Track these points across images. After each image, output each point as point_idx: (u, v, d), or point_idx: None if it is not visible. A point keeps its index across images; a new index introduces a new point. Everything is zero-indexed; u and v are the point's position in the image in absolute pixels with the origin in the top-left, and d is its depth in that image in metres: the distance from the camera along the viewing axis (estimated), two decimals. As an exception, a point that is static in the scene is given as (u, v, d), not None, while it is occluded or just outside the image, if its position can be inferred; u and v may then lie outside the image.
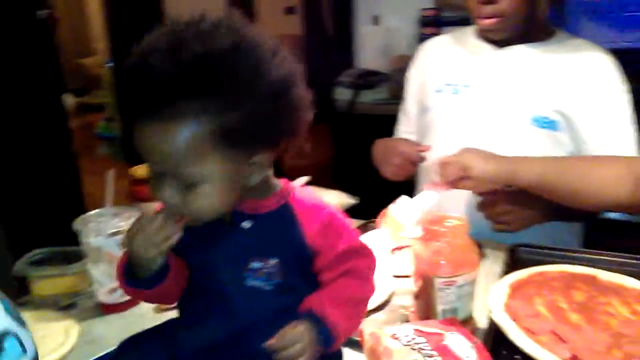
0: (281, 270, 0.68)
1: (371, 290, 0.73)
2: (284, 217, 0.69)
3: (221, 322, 0.70)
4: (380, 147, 1.38)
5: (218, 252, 0.70)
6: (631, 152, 1.15)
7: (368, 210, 1.37)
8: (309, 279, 0.71)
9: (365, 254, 0.73)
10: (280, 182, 0.72)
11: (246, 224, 0.69)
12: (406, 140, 1.38)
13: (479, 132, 1.22)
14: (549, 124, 1.19)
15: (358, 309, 0.72)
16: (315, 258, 0.70)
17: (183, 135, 0.58)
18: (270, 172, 0.71)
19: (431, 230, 0.84)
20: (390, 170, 1.33)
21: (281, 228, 0.69)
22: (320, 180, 1.46)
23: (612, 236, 1.15)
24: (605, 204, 1.01)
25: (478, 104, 1.24)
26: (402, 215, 1.10)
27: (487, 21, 1.18)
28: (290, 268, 0.69)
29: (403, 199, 1.14)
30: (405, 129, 1.47)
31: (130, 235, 0.65)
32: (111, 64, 3.83)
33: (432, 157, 1.28)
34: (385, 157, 1.33)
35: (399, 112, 1.51)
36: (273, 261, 0.68)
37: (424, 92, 1.34)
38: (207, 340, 0.71)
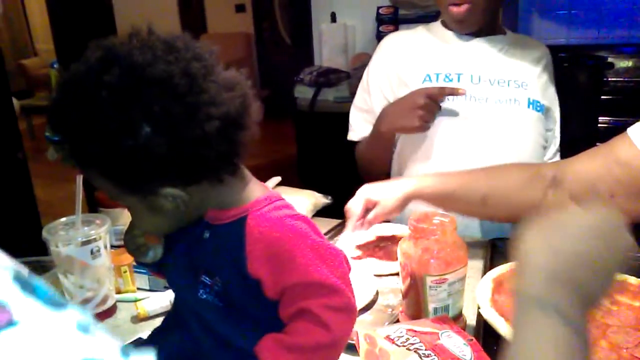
0: (225, 290, 0.63)
1: (332, 337, 0.60)
2: (234, 234, 0.64)
3: (180, 333, 0.70)
4: (390, 108, 1.27)
5: (179, 258, 0.69)
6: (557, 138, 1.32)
7: (339, 207, 1.35)
8: (263, 306, 0.63)
9: (324, 292, 0.62)
10: (255, 193, 0.68)
11: (206, 234, 0.67)
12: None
13: (479, 116, 1.23)
14: (541, 108, 1.26)
15: (312, 357, 0.61)
16: (261, 286, 0.63)
17: (89, 175, 0.62)
18: (240, 183, 0.67)
19: (419, 228, 0.83)
20: (418, 117, 1.19)
21: (228, 246, 0.65)
22: (285, 177, 1.44)
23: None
24: (517, 212, 1.03)
25: (476, 89, 1.24)
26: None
27: (459, 9, 1.21)
28: (235, 291, 0.63)
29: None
30: (369, 126, 1.39)
31: (124, 245, 0.72)
32: (57, 65, 3.67)
33: (421, 148, 1.27)
34: (405, 110, 1.21)
35: (354, 111, 1.44)
36: (218, 279, 0.64)
37: (399, 85, 1.31)
38: (169, 349, 0.70)
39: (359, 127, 1.42)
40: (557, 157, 1.32)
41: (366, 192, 1.04)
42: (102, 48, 0.58)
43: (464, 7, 1.20)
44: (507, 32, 1.32)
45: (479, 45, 1.27)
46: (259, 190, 0.68)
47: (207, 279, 0.65)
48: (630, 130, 0.91)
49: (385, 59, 1.36)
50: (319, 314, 0.60)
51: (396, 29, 2.58)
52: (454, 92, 1.19)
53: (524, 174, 1.01)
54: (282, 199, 0.69)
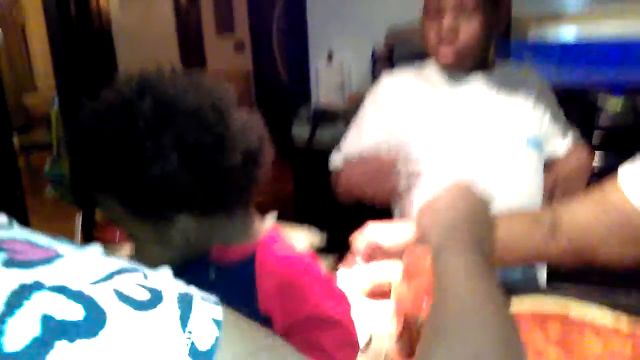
0: None
1: None
2: (244, 273, 0.66)
3: None
4: (357, 174, 1.31)
5: None
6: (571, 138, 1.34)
7: (334, 244, 1.36)
8: None
9: (332, 326, 0.64)
10: (261, 231, 0.70)
11: (212, 275, 0.68)
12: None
13: (475, 159, 1.25)
14: (539, 144, 1.27)
15: None
16: (271, 324, 0.64)
17: (101, 201, 0.64)
18: (245, 221, 0.69)
19: (412, 269, 0.84)
20: (385, 192, 1.26)
21: (237, 286, 0.66)
22: (282, 215, 1.45)
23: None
24: (522, 258, 1.05)
25: (472, 131, 1.26)
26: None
27: (447, 54, 1.23)
28: None
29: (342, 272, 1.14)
30: (348, 152, 1.42)
31: None
32: (57, 102, 3.71)
33: (421, 193, 1.28)
34: (371, 178, 1.25)
35: (346, 139, 1.46)
36: None
37: (394, 127, 1.33)
38: None
39: (336, 159, 1.46)
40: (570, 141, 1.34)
41: (373, 234, 1.04)
42: (135, 79, 0.61)
43: (450, 53, 1.22)
44: (498, 66, 1.33)
45: (470, 86, 1.29)
46: (264, 228, 0.70)
47: None
48: (620, 175, 0.91)
49: (380, 106, 1.37)
50: (328, 349, 0.62)
51: (391, 68, 2.64)
52: (412, 157, 1.23)
53: (525, 222, 1.02)
54: (285, 237, 0.71)
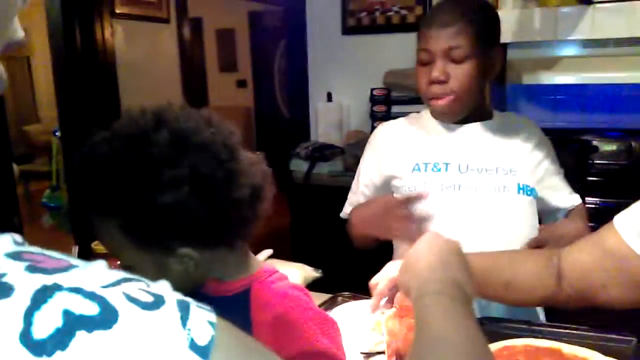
0: None
1: None
2: (238, 305, 0.67)
3: None
4: (362, 213, 1.33)
5: None
6: (572, 192, 1.34)
7: (330, 281, 1.37)
8: None
9: (323, 359, 0.66)
10: (256, 266, 0.71)
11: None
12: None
13: (469, 205, 1.25)
14: (531, 191, 1.26)
15: None
16: None
17: (101, 229, 0.65)
18: (241, 255, 0.70)
19: (404, 306, 0.85)
20: (394, 228, 1.23)
21: (232, 318, 0.66)
22: (278, 249, 1.46)
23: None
24: (532, 299, 1.05)
25: (464, 178, 1.26)
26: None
27: (440, 102, 1.23)
28: None
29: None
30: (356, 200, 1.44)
31: None
32: (59, 132, 3.76)
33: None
34: (378, 218, 1.26)
35: (349, 193, 1.48)
36: None
37: (391, 173, 1.34)
38: None
39: (346, 208, 1.46)
40: (577, 200, 1.34)
41: (393, 271, 1.01)
42: (150, 111, 0.64)
43: (444, 100, 1.22)
44: (495, 114, 1.33)
45: (466, 134, 1.29)
46: (258, 264, 0.72)
47: None
48: (616, 219, 0.92)
49: (375, 151, 1.39)
50: None
51: (389, 109, 2.69)
52: (419, 197, 1.22)
53: (539, 262, 1.02)
54: (278, 272, 0.72)
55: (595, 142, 2.43)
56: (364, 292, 1.25)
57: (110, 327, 0.28)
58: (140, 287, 0.32)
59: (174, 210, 0.60)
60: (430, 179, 1.28)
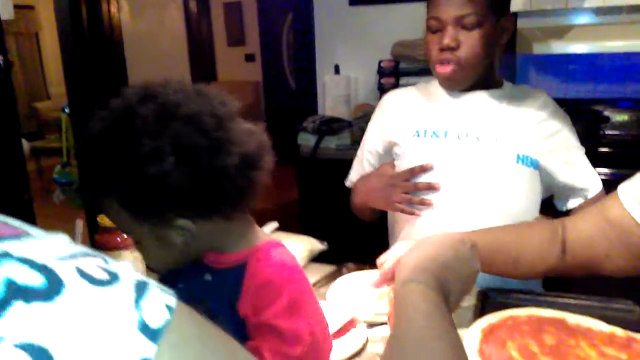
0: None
1: None
2: (235, 276, 0.68)
3: None
4: (365, 184, 1.38)
5: (187, 300, 0.70)
6: (591, 174, 1.29)
7: (336, 253, 1.37)
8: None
9: (283, 340, 0.65)
10: (259, 238, 0.72)
11: (207, 276, 0.70)
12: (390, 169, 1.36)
13: (466, 173, 1.25)
14: (532, 163, 1.24)
15: None
16: (246, 325, 0.67)
17: (105, 205, 0.67)
18: (244, 227, 0.71)
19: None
20: (395, 201, 1.29)
21: (227, 288, 0.68)
22: (286, 223, 1.47)
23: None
24: (538, 272, 1.05)
25: (462, 146, 1.26)
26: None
27: (445, 69, 1.22)
28: (227, 331, 0.66)
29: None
30: (360, 172, 1.48)
31: None
32: (68, 109, 3.77)
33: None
34: (380, 189, 1.32)
35: (354, 161, 1.51)
36: (216, 320, 0.67)
37: (395, 137, 1.35)
38: None
39: (351, 175, 1.50)
40: (596, 185, 1.30)
41: (401, 250, 1.01)
42: (141, 87, 0.65)
43: (449, 67, 1.22)
44: (505, 85, 1.32)
45: (470, 102, 1.28)
46: (261, 236, 0.72)
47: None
48: (620, 189, 0.92)
49: (382, 114, 1.41)
50: (265, 357, 0.63)
51: (397, 81, 2.66)
52: (423, 169, 1.25)
53: (543, 236, 1.01)
54: (283, 246, 0.73)
55: (606, 113, 2.40)
56: (369, 263, 1.26)
57: (51, 300, 0.27)
58: (99, 264, 0.30)
59: (161, 181, 0.61)
60: (427, 145, 1.28)
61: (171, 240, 0.66)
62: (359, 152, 1.49)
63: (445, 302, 0.59)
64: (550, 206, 1.36)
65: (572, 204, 1.31)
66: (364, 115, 2.53)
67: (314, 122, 2.65)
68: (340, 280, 1.18)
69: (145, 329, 0.28)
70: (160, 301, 0.31)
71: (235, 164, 0.63)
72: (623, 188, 0.91)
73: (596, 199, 1.28)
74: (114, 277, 0.30)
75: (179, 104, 0.62)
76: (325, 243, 1.40)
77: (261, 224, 0.83)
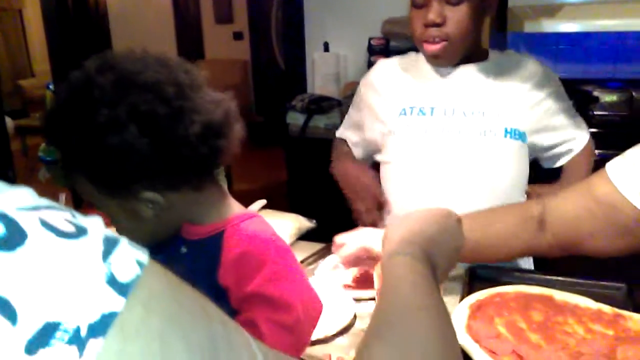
0: None
1: None
2: (212, 247, 0.68)
3: None
4: (350, 179, 1.40)
5: None
6: (577, 126, 1.32)
7: (324, 232, 1.37)
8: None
9: (274, 308, 0.65)
10: (233, 210, 0.71)
11: (183, 249, 0.70)
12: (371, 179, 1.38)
13: (453, 149, 1.24)
14: (520, 136, 1.23)
15: None
16: (227, 296, 0.66)
17: (77, 182, 0.66)
18: (216, 198, 0.71)
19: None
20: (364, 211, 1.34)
21: (204, 259, 0.68)
22: (275, 203, 1.46)
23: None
24: (511, 254, 1.05)
25: (449, 122, 1.25)
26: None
27: (433, 47, 1.20)
28: None
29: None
30: (348, 135, 1.49)
31: None
32: (52, 86, 3.71)
33: (401, 182, 1.30)
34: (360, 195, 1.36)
35: (345, 117, 1.52)
36: None
37: (381, 115, 1.34)
38: None
39: (340, 131, 1.54)
40: (582, 139, 1.33)
41: (365, 240, 1.02)
42: (100, 57, 0.64)
43: (438, 45, 1.20)
44: (491, 55, 1.30)
45: (456, 77, 1.27)
46: (237, 208, 0.71)
47: None
48: (608, 166, 0.91)
49: (373, 84, 1.39)
50: (260, 327, 0.63)
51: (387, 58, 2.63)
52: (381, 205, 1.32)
53: (513, 218, 1.01)
54: (260, 217, 0.72)
55: (596, 93, 2.40)
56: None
57: (12, 250, 0.25)
58: (66, 218, 0.29)
59: (123, 151, 0.60)
60: (414, 123, 1.27)
61: (141, 213, 0.65)
62: (350, 110, 1.49)
63: (432, 275, 0.58)
64: (538, 178, 1.36)
65: (562, 162, 1.32)
66: (353, 94, 2.51)
67: (302, 101, 2.63)
68: (330, 257, 1.17)
69: (113, 282, 0.27)
70: (131, 256, 0.29)
71: (197, 132, 0.62)
72: (611, 165, 0.91)
73: (584, 152, 1.31)
74: (81, 231, 0.28)
75: (138, 73, 0.61)
76: (314, 221, 1.39)
77: (249, 204, 0.83)
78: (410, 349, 0.43)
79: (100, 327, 0.25)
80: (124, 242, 0.30)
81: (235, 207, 0.72)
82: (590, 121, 2.29)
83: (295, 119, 2.62)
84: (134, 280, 0.28)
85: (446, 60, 1.25)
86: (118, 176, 0.62)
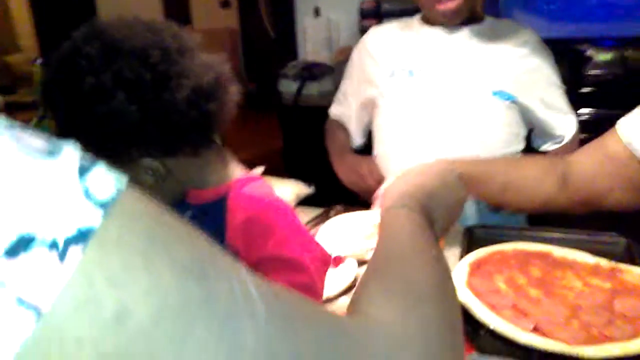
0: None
1: None
2: (216, 210, 0.68)
3: None
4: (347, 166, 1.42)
5: None
6: (569, 113, 1.31)
7: (323, 198, 1.37)
8: None
9: (289, 269, 0.66)
10: (235, 175, 0.71)
11: (188, 214, 0.70)
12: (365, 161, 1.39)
13: (439, 110, 1.25)
14: (508, 97, 1.24)
15: None
16: (236, 258, 0.67)
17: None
18: (217, 162, 0.71)
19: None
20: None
21: (210, 223, 0.67)
22: (271, 170, 1.46)
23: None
24: (532, 203, 1.05)
25: (436, 83, 1.26)
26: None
27: (451, 4, 1.20)
28: None
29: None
30: (342, 110, 1.50)
31: None
32: (41, 61, 3.65)
33: (393, 144, 1.30)
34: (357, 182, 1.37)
35: (337, 93, 1.52)
36: None
37: (373, 77, 1.35)
38: None
39: (334, 108, 1.54)
40: (570, 128, 1.32)
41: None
42: (88, 26, 0.63)
43: (455, 2, 1.20)
44: (487, 20, 1.30)
45: (448, 39, 1.27)
46: (239, 171, 0.71)
47: None
48: (619, 124, 0.92)
49: (364, 50, 1.40)
50: None
51: (379, 23, 2.60)
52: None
53: (539, 167, 1.02)
54: (262, 179, 0.73)
55: (588, 53, 2.39)
56: (356, 204, 1.26)
57: None
58: (41, 138, 0.26)
59: (111, 119, 0.60)
60: (402, 84, 1.29)
61: (143, 181, 0.65)
62: (341, 86, 1.50)
63: (431, 227, 0.58)
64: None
65: (547, 147, 1.33)
66: (345, 60, 2.48)
67: (295, 68, 2.60)
68: (330, 221, 1.18)
69: (89, 198, 0.25)
70: (109, 177, 0.27)
71: (186, 97, 0.61)
72: (622, 123, 0.91)
73: (571, 142, 1.31)
74: (57, 150, 0.26)
75: (125, 39, 0.61)
76: (312, 186, 1.40)
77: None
78: (406, 290, 0.42)
79: (78, 240, 0.23)
80: (102, 165, 0.28)
81: (237, 171, 0.72)
82: (583, 81, 2.30)
83: (288, 86, 2.59)
84: (113, 198, 0.26)
85: (457, 18, 1.25)
86: (111, 144, 0.62)
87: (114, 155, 0.63)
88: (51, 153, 0.26)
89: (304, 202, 1.37)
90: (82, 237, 0.23)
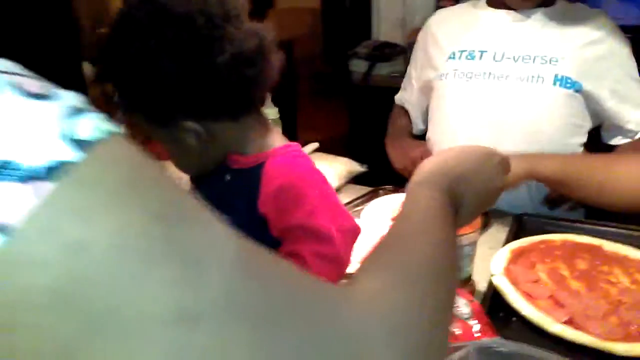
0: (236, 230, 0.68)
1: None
2: (253, 176, 0.70)
3: None
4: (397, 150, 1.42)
5: (207, 199, 0.74)
6: None
7: (377, 178, 1.38)
8: (268, 244, 0.66)
9: (317, 240, 0.66)
10: (275, 144, 0.73)
11: (227, 177, 0.72)
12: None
13: (495, 95, 1.21)
14: (572, 85, 1.17)
15: None
16: (268, 225, 0.68)
17: (127, 112, 0.70)
18: (258, 129, 0.73)
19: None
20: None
21: (246, 188, 0.70)
22: (331, 149, 1.47)
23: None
24: (628, 203, 0.99)
25: (495, 68, 1.22)
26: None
27: None
28: (244, 228, 0.66)
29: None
30: (406, 96, 1.49)
31: None
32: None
33: (445, 128, 1.28)
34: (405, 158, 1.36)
35: (404, 80, 1.52)
36: (229, 219, 0.69)
37: (433, 59, 1.34)
38: None
39: (399, 94, 1.53)
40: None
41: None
42: None
43: None
44: (559, 2, 1.24)
45: (515, 21, 1.23)
46: (280, 140, 0.74)
47: (225, 217, 0.70)
48: None
49: (428, 33, 1.39)
50: (306, 259, 0.65)
51: (457, 3, 2.53)
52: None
53: (590, 164, 0.98)
54: (299, 149, 0.74)
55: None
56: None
57: None
58: (44, 85, 0.27)
59: (155, 80, 0.63)
60: (461, 67, 1.26)
61: (186, 142, 0.68)
62: (408, 70, 1.49)
63: (453, 209, 0.57)
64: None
65: (617, 141, 1.24)
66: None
67: (366, 48, 2.59)
68: (376, 200, 1.19)
69: (66, 136, 0.25)
70: (103, 124, 0.27)
71: (226, 61, 0.63)
72: None
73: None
74: (51, 95, 0.27)
75: (172, 5, 0.63)
76: (366, 166, 1.40)
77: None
78: (399, 268, 0.42)
79: (49, 173, 0.24)
80: (100, 114, 0.28)
81: (278, 140, 0.74)
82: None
83: (359, 66, 2.59)
84: (98, 139, 0.26)
85: (529, 5, 1.21)
86: (156, 106, 0.66)
87: (159, 117, 0.67)
88: (44, 97, 0.27)
89: (356, 180, 1.38)
90: (51, 170, 0.24)
